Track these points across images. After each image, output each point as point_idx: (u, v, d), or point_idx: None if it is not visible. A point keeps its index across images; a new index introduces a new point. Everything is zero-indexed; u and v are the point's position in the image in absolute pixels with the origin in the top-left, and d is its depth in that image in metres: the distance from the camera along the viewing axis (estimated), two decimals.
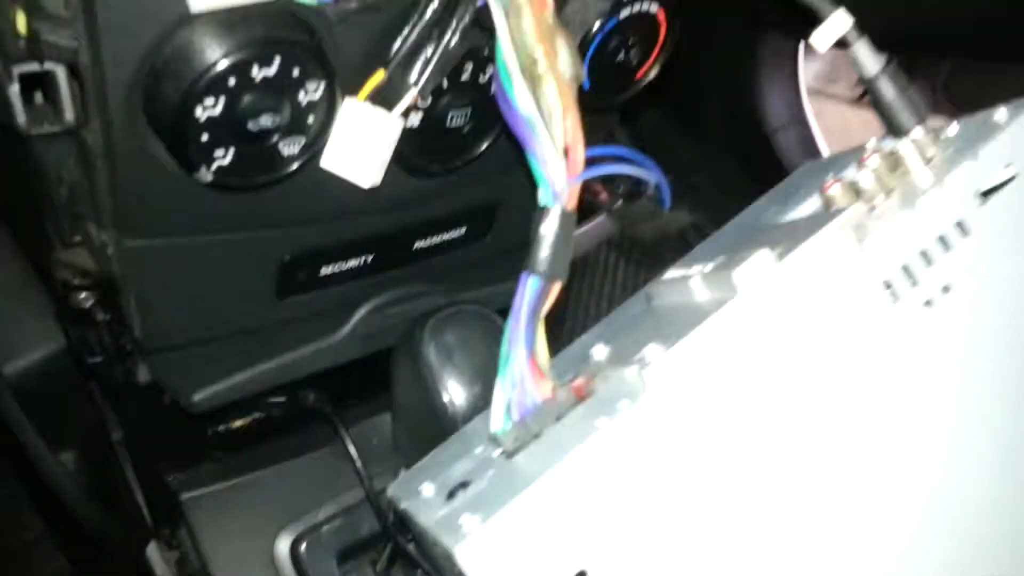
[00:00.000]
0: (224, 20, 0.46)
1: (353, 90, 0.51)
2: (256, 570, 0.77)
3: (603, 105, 0.63)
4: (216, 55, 0.46)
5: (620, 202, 0.68)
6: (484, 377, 0.63)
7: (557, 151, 0.43)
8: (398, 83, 0.52)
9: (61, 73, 0.49)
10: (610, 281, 1.40)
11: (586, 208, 0.72)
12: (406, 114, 0.53)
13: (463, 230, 0.71)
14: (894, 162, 0.41)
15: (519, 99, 0.44)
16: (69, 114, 0.51)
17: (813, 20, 0.46)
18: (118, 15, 0.44)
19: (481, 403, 0.59)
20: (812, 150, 1.30)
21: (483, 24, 0.49)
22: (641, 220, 0.61)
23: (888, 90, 0.44)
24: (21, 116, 0.50)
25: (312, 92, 0.50)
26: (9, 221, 0.76)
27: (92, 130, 0.50)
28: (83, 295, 0.66)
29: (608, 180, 0.61)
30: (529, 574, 0.35)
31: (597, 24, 0.57)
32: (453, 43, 0.51)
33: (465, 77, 0.55)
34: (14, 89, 0.49)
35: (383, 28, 0.51)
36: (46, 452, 0.80)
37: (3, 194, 0.75)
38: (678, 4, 0.61)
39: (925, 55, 1.16)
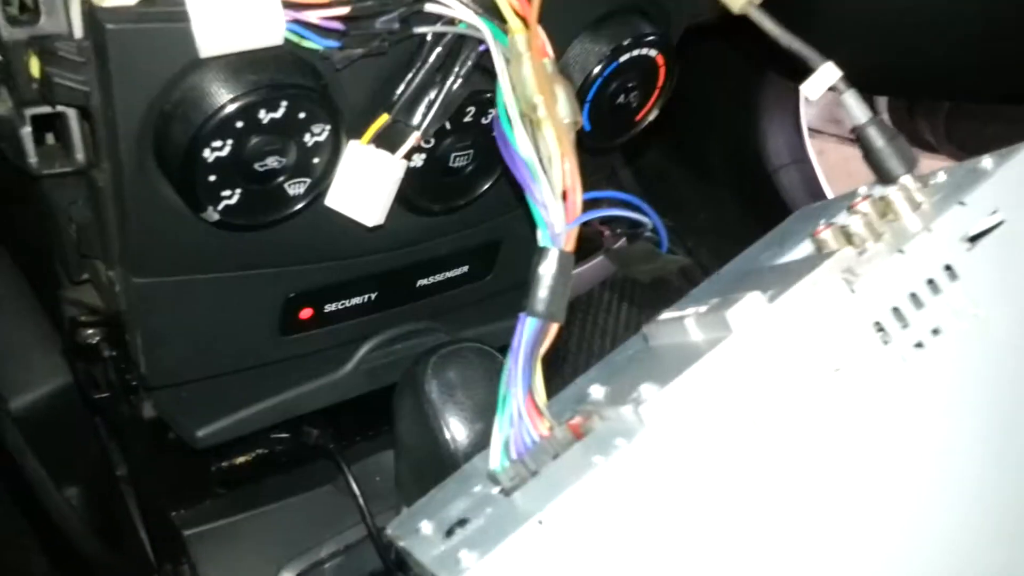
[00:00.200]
0: (232, 64, 0.47)
1: (358, 132, 0.53)
2: None
3: (604, 146, 0.65)
4: (224, 99, 0.47)
5: (623, 241, 0.69)
6: (486, 415, 0.63)
7: (556, 195, 0.44)
8: (402, 126, 0.53)
9: (72, 115, 0.51)
10: (613, 320, 1.41)
11: (590, 248, 0.73)
12: (410, 155, 0.54)
13: (466, 268, 0.72)
14: (884, 208, 0.42)
15: (519, 143, 0.45)
16: (80, 155, 0.52)
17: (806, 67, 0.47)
18: (129, 60, 0.45)
19: (483, 441, 0.59)
20: (814, 189, 1.31)
21: (485, 67, 0.50)
22: (638, 261, 0.62)
23: (877, 139, 0.45)
24: (33, 157, 0.51)
25: (317, 134, 0.51)
26: (18, 258, 0.77)
27: (102, 170, 0.51)
28: (90, 331, 0.67)
29: (608, 222, 0.62)
30: None
31: (597, 68, 0.58)
32: (456, 87, 0.53)
33: (468, 119, 0.56)
34: (26, 130, 0.50)
35: (387, 72, 0.52)
36: (51, 487, 0.81)
37: (13, 232, 0.76)
38: (677, 49, 0.62)
39: (915, 98, 1.18)
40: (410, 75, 0.52)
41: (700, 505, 0.37)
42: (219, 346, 0.64)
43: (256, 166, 0.50)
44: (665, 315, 0.43)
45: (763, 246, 0.50)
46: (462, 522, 0.39)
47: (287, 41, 0.46)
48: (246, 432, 0.71)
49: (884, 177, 0.45)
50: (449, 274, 0.71)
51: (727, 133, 1.35)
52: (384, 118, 0.52)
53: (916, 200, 0.42)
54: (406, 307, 0.72)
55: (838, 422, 0.39)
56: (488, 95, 0.54)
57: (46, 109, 0.50)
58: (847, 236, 0.41)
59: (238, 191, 0.50)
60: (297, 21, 0.46)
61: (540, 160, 0.45)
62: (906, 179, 0.43)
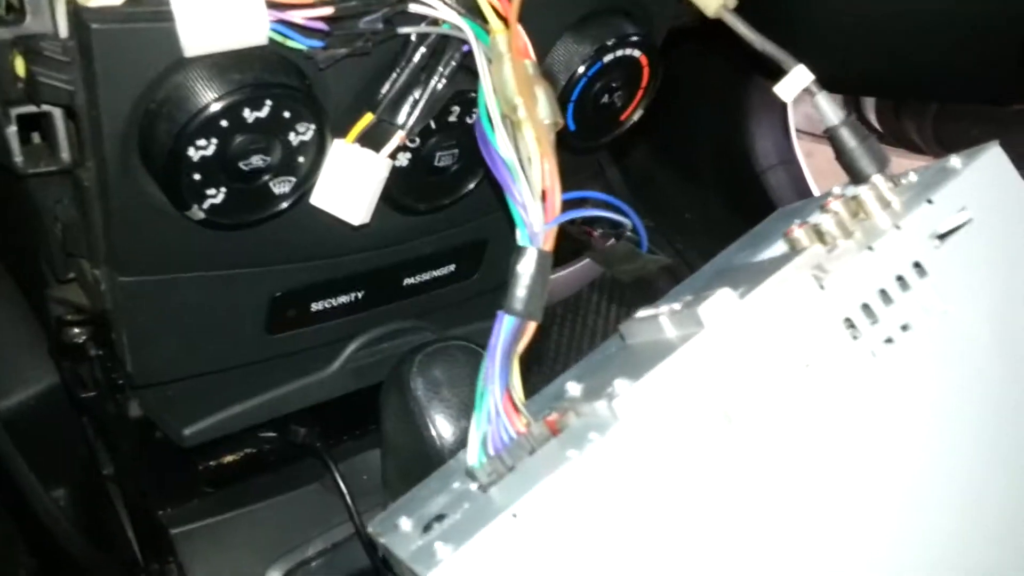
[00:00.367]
0: (217, 64, 0.47)
1: (343, 131, 0.53)
2: None
3: (589, 146, 0.65)
4: (208, 98, 0.47)
5: (611, 242, 0.70)
6: (472, 412, 0.64)
7: (535, 195, 0.44)
8: (386, 125, 0.53)
9: (58, 114, 0.51)
10: (602, 321, 1.41)
11: (577, 249, 0.73)
12: (395, 154, 0.54)
13: (452, 267, 0.72)
14: (855, 207, 0.43)
15: (499, 144, 0.45)
16: (65, 154, 0.52)
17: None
18: (114, 59, 0.46)
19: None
20: (802, 190, 1.32)
21: (469, 67, 0.50)
22: (620, 261, 0.62)
23: (849, 139, 0.46)
24: (18, 156, 0.51)
25: (302, 133, 0.51)
26: (3, 257, 0.77)
27: (87, 169, 0.52)
28: (76, 330, 0.67)
29: (590, 222, 0.63)
30: None
31: (581, 68, 0.58)
32: (440, 86, 0.53)
33: (452, 119, 0.56)
34: (12, 130, 0.50)
35: (372, 72, 0.52)
36: (39, 487, 0.81)
37: None
38: (661, 50, 0.63)
39: (896, 99, 1.19)
40: (394, 75, 0.52)
41: (672, 498, 0.38)
42: (205, 345, 0.65)
43: (241, 165, 0.50)
44: (641, 313, 0.43)
45: (740, 246, 0.51)
46: (440, 517, 0.40)
47: (271, 41, 0.47)
48: (233, 431, 0.71)
49: (856, 177, 0.46)
50: (435, 273, 0.72)
51: (715, 134, 1.36)
52: (369, 117, 0.53)
53: (886, 199, 0.43)
54: (393, 306, 0.72)
55: (808, 416, 0.40)
56: (473, 95, 0.55)
57: (32, 108, 0.50)
58: (819, 234, 0.42)
59: (223, 190, 0.50)
60: (281, 21, 0.46)
61: (520, 160, 0.45)
62: (877, 178, 0.44)
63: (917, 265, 0.41)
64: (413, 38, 0.51)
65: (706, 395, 0.38)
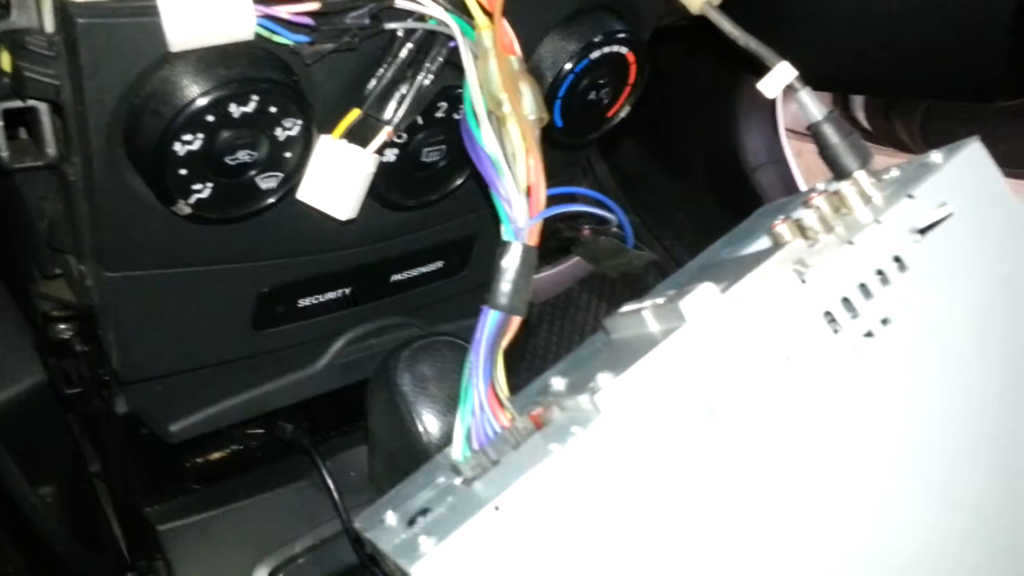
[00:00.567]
0: (203, 59, 0.47)
1: (329, 127, 0.53)
2: None
3: (576, 142, 0.65)
4: (195, 92, 0.47)
5: (602, 238, 0.70)
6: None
7: (519, 190, 0.44)
8: (373, 120, 0.53)
9: (44, 109, 0.51)
10: (591, 317, 1.41)
11: (564, 244, 0.73)
12: (381, 150, 0.54)
13: (440, 264, 0.72)
14: (837, 202, 0.43)
15: (485, 140, 0.46)
16: (51, 149, 0.52)
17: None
18: (99, 54, 0.46)
19: None
20: (791, 188, 1.32)
21: (456, 63, 0.50)
22: (606, 256, 0.62)
23: (832, 135, 0.46)
24: (4, 151, 0.51)
25: (289, 129, 0.51)
26: None
27: (73, 164, 0.52)
28: (62, 326, 0.67)
29: (577, 219, 0.63)
30: None
31: (568, 65, 0.58)
32: (427, 82, 0.53)
33: (439, 114, 0.57)
34: None
35: (358, 67, 0.52)
36: (25, 485, 0.81)
37: None
38: (649, 47, 0.63)
39: (878, 95, 1.19)
40: (381, 70, 0.52)
41: (654, 490, 0.38)
42: (192, 341, 0.65)
43: (227, 160, 0.50)
44: (624, 308, 0.44)
45: (725, 242, 0.51)
46: (424, 511, 0.40)
47: (258, 36, 0.47)
48: (220, 427, 0.71)
49: (839, 172, 0.46)
50: (424, 269, 0.72)
51: (705, 133, 1.36)
52: (355, 113, 0.53)
53: (868, 194, 0.43)
54: (381, 302, 0.72)
55: (789, 410, 0.40)
56: (460, 90, 0.55)
57: (17, 103, 0.50)
58: (801, 229, 0.42)
59: (209, 185, 0.50)
60: (267, 16, 0.46)
61: (505, 156, 0.45)
62: (860, 174, 0.44)
63: (897, 259, 0.42)
64: (400, 34, 0.51)
65: (688, 388, 0.39)
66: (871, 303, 0.41)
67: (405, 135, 0.56)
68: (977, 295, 0.43)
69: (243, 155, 0.50)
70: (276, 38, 0.47)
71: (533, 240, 0.44)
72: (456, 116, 0.57)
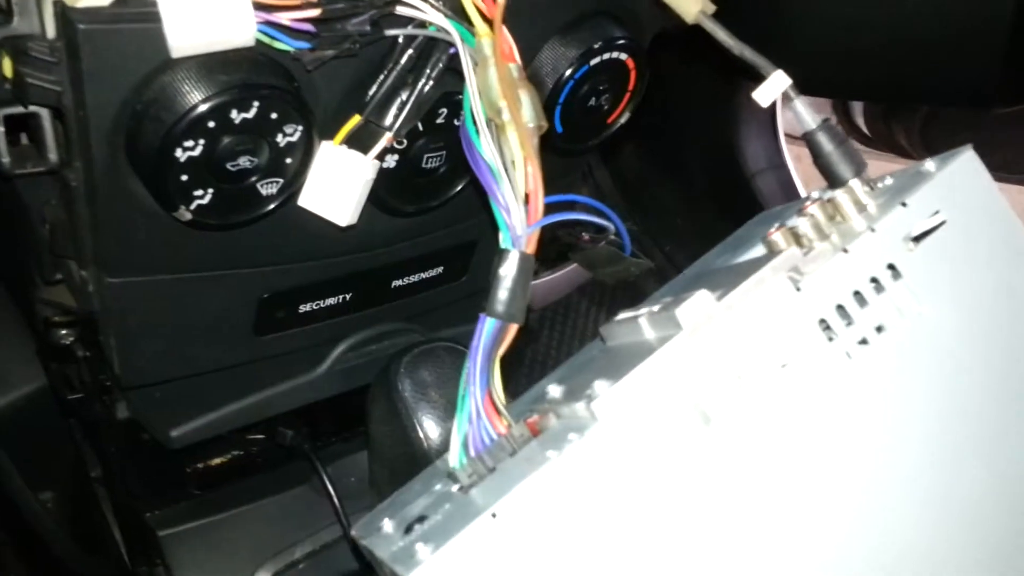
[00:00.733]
0: (204, 65, 0.47)
1: (330, 133, 0.53)
2: None
3: (576, 149, 0.65)
4: (196, 99, 0.47)
5: (599, 246, 0.70)
6: None
7: (518, 198, 0.44)
8: (374, 127, 0.53)
9: (45, 115, 0.51)
10: (591, 324, 1.42)
11: (562, 251, 0.73)
12: (382, 156, 0.54)
13: (440, 269, 0.72)
14: (832, 210, 0.44)
15: (483, 147, 0.46)
16: (52, 155, 0.52)
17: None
18: (101, 60, 0.46)
19: None
20: (791, 193, 1.33)
21: (457, 69, 0.50)
22: (603, 264, 0.63)
23: (826, 144, 0.46)
24: (5, 157, 0.51)
25: (290, 135, 0.51)
26: None
27: (75, 170, 0.52)
28: (63, 332, 0.67)
29: (574, 226, 0.63)
30: None
31: (568, 71, 0.59)
32: (427, 88, 0.53)
33: (440, 120, 0.57)
34: None
35: (359, 74, 0.53)
36: (26, 490, 0.81)
37: None
38: (648, 53, 0.63)
39: (876, 102, 1.19)
40: (382, 77, 0.53)
41: (650, 497, 0.38)
42: (193, 346, 0.65)
43: (228, 166, 0.50)
44: (621, 316, 0.44)
45: (721, 250, 0.51)
46: (421, 519, 0.40)
47: (258, 42, 0.47)
48: (220, 432, 0.71)
49: (833, 181, 0.46)
50: (424, 275, 0.72)
51: (705, 138, 1.36)
52: (356, 119, 0.53)
53: (862, 202, 0.44)
54: (381, 308, 0.72)
55: (785, 416, 0.40)
56: (460, 96, 0.55)
57: (19, 109, 0.51)
58: (796, 237, 0.43)
59: (210, 191, 0.50)
60: (268, 22, 0.46)
61: (504, 164, 0.45)
62: (854, 182, 0.45)
63: (891, 267, 0.42)
64: (400, 40, 0.52)
65: (684, 395, 0.39)
66: (865, 311, 0.41)
67: (406, 141, 0.56)
68: (971, 302, 0.44)
69: (244, 161, 0.50)
70: (277, 44, 0.48)
71: (531, 248, 0.45)
72: (457, 122, 0.57)
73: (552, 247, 0.82)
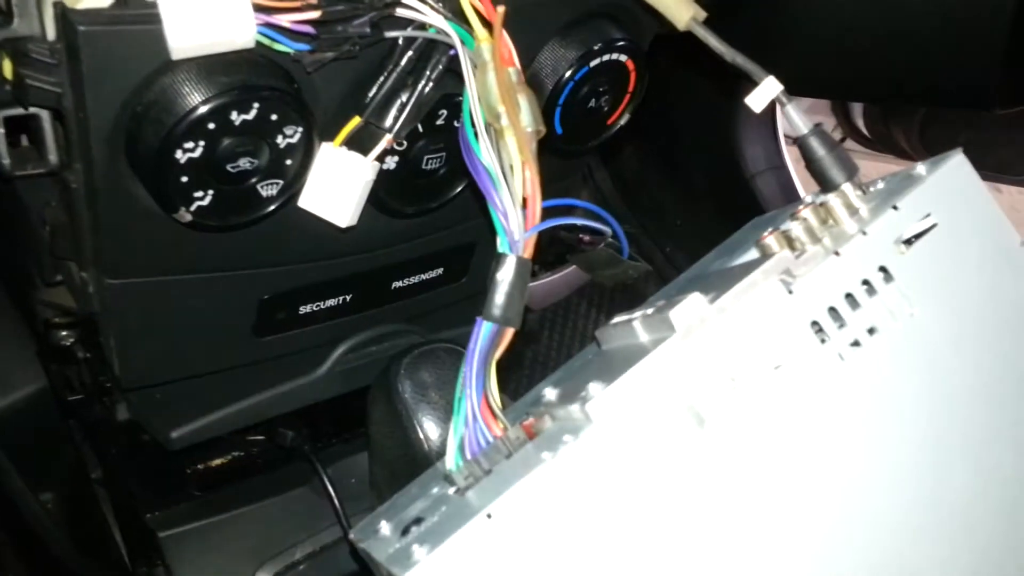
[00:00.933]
0: (204, 66, 0.47)
1: (330, 135, 0.53)
2: None
3: (577, 150, 0.65)
4: (196, 100, 0.47)
5: (597, 248, 0.71)
6: None
7: (515, 202, 0.45)
8: (374, 128, 0.53)
9: (45, 117, 0.51)
10: (591, 326, 1.42)
11: (560, 253, 0.74)
12: (382, 158, 0.54)
13: (440, 271, 0.72)
14: (825, 214, 0.44)
15: (482, 151, 0.46)
16: (53, 156, 0.52)
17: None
18: (101, 61, 0.46)
19: None
20: (791, 194, 1.33)
21: (456, 71, 0.50)
22: (601, 266, 0.63)
23: (818, 148, 0.47)
24: (6, 158, 0.52)
25: (290, 136, 0.51)
26: None
27: (75, 172, 0.52)
28: (64, 333, 0.67)
29: (572, 230, 0.64)
30: None
31: (568, 72, 0.59)
32: (427, 90, 0.53)
33: (440, 122, 0.57)
34: None
35: (359, 75, 0.53)
36: (26, 492, 0.81)
37: None
38: (648, 55, 0.63)
39: (874, 103, 1.19)
40: (382, 78, 0.53)
41: (645, 498, 0.38)
42: (193, 347, 0.65)
43: (228, 167, 0.50)
44: (616, 319, 0.44)
45: (716, 254, 0.51)
46: (418, 521, 0.41)
47: (258, 44, 0.47)
48: (220, 433, 0.71)
49: (826, 185, 0.46)
50: (424, 276, 0.72)
51: (705, 140, 1.36)
52: (356, 120, 0.53)
53: (854, 206, 0.44)
54: (382, 309, 0.72)
55: (778, 418, 0.40)
56: (460, 98, 0.55)
57: (19, 111, 0.51)
58: (789, 241, 0.43)
59: (210, 192, 0.50)
60: (268, 24, 0.46)
61: (502, 168, 0.45)
62: (846, 186, 0.45)
63: (883, 270, 0.42)
64: (400, 42, 0.52)
65: (677, 397, 0.39)
66: (857, 313, 0.42)
67: (405, 143, 0.57)
68: (962, 304, 0.44)
69: (244, 162, 0.50)
70: (277, 46, 0.48)
71: (528, 252, 0.45)
72: (456, 124, 0.57)
73: (552, 249, 0.83)
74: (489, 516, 0.36)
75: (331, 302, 0.68)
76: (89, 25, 0.45)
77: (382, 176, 0.56)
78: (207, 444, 0.74)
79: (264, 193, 0.53)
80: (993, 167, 1.18)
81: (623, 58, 0.61)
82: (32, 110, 0.51)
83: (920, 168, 0.44)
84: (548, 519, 0.37)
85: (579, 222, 0.50)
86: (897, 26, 0.72)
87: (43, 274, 0.63)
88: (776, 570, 0.40)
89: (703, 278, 0.48)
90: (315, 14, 0.47)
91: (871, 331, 0.42)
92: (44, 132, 0.52)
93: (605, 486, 0.38)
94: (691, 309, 0.40)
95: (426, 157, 0.59)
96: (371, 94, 0.53)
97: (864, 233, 0.42)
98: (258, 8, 0.46)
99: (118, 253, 0.56)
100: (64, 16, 0.45)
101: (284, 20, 0.47)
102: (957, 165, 0.44)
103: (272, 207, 0.54)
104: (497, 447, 0.42)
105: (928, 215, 0.43)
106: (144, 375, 0.65)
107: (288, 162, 0.52)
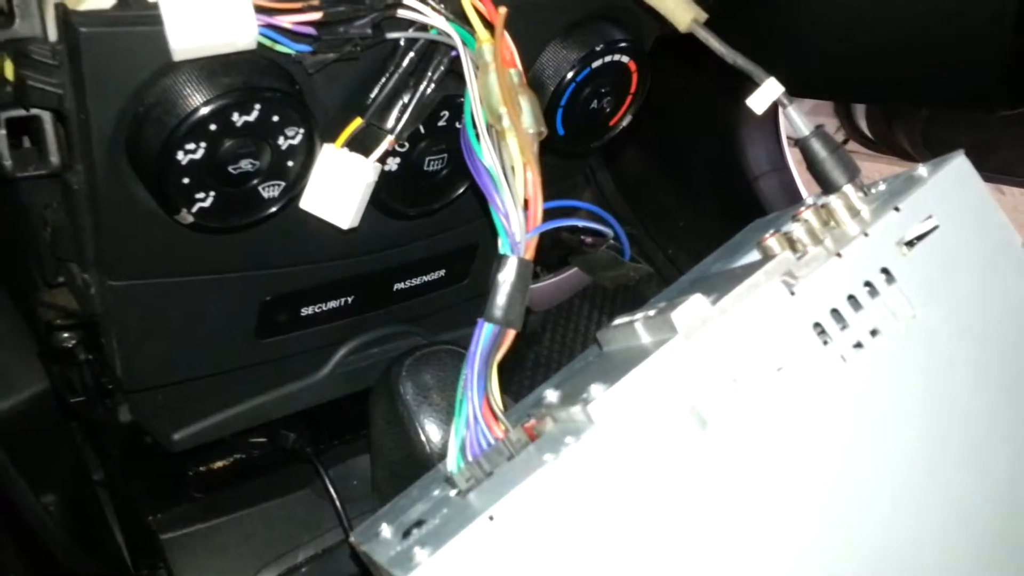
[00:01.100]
0: (205, 68, 0.47)
1: (332, 136, 0.53)
2: None
3: (578, 151, 0.65)
4: (197, 102, 0.47)
5: (599, 250, 0.71)
6: None
7: (517, 204, 0.44)
8: (375, 129, 0.53)
9: (47, 118, 0.51)
10: (594, 327, 1.41)
11: (563, 254, 0.73)
12: (384, 159, 0.54)
13: (442, 272, 0.72)
14: (826, 215, 0.44)
15: (483, 153, 0.46)
16: (54, 158, 0.52)
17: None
18: (102, 63, 0.46)
19: None
20: (794, 196, 1.33)
21: (458, 72, 0.50)
22: (602, 268, 0.63)
23: (820, 150, 0.46)
24: (7, 160, 0.51)
25: (291, 138, 0.51)
26: None
27: (76, 173, 0.52)
28: (65, 335, 0.67)
29: (574, 231, 0.64)
30: None
31: (570, 73, 0.59)
32: (429, 91, 0.53)
33: (442, 123, 0.57)
34: (0, 133, 0.50)
35: (361, 77, 0.53)
36: (28, 493, 0.81)
37: None
38: (650, 56, 0.63)
39: (877, 103, 1.19)
40: (383, 79, 0.53)
41: (646, 499, 0.38)
42: (195, 349, 0.65)
43: (230, 169, 0.50)
44: (617, 321, 0.44)
45: (717, 256, 0.51)
46: (419, 523, 0.41)
47: (260, 45, 0.47)
48: (222, 436, 0.71)
49: (827, 187, 0.46)
50: (426, 278, 0.72)
51: (707, 141, 1.36)
52: (358, 122, 0.53)
53: (856, 207, 0.44)
54: (384, 311, 0.72)
55: (781, 419, 0.40)
56: (462, 99, 0.55)
57: (20, 112, 0.50)
58: (790, 242, 0.43)
59: (212, 193, 0.50)
60: (269, 25, 0.46)
61: (504, 170, 0.45)
62: (848, 188, 0.45)
63: (885, 271, 0.42)
64: (402, 43, 0.52)
65: (679, 398, 0.39)
66: (859, 314, 0.42)
67: (407, 144, 0.56)
68: (964, 305, 0.44)
69: (245, 164, 0.50)
70: (278, 47, 0.48)
71: (529, 254, 0.44)
72: (458, 125, 0.57)
73: (554, 251, 0.83)
74: (491, 518, 0.36)
75: (333, 304, 0.68)
76: (91, 26, 0.45)
77: (384, 177, 0.56)
78: (209, 446, 0.73)
79: (266, 194, 0.53)
80: (997, 168, 1.18)
81: (625, 59, 0.61)
82: (34, 111, 0.50)
83: (922, 169, 0.44)
84: (550, 521, 0.37)
85: (581, 224, 0.50)
86: (899, 27, 0.72)
87: (45, 276, 0.63)
88: (778, 572, 0.40)
89: (704, 280, 0.48)
90: (316, 15, 0.47)
91: (873, 332, 0.42)
92: (46, 133, 0.52)
93: (607, 488, 0.38)
94: (693, 310, 0.39)
95: (428, 158, 0.59)
96: (373, 95, 0.53)
97: (866, 235, 0.42)
98: (259, 9, 0.46)
99: (120, 254, 0.56)
100: (65, 17, 0.45)
101: (285, 21, 0.47)
102: (959, 166, 0.44)
103: (274, 209, 0.54)
104: (498, 449, 0.41)
105: (930, 216, 0.43)
106: (146, 377, 0.65)
107: (290, 163, 0.52)
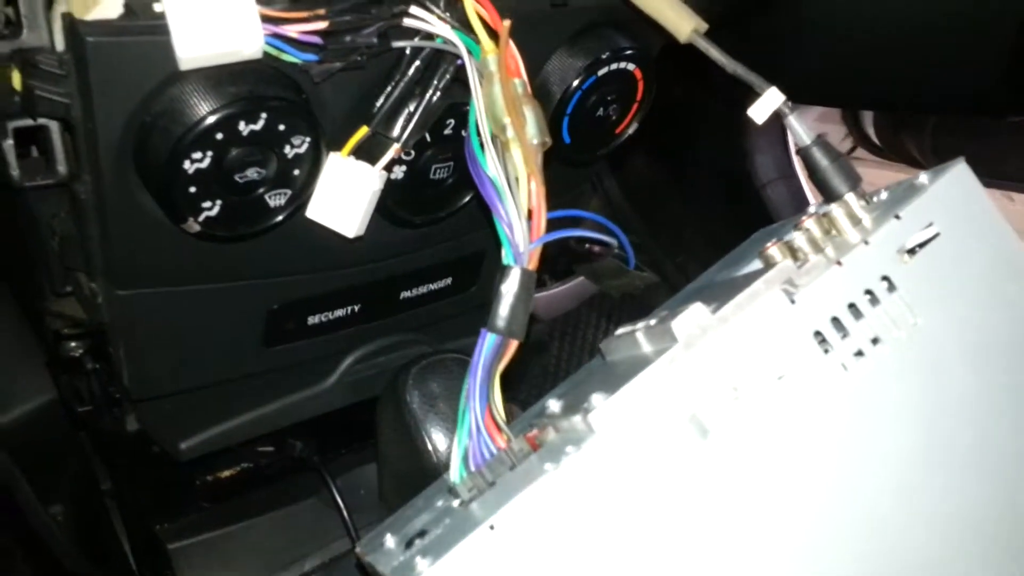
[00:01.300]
0: (212, 77, 0.47)
1: (338, 144, 0.53)
2: None
3: (585, 159, 0.65)
4: (204, 111, 0.47)
5: (605, 259, 0.70)
6: None
7: (520, 214, 0.44)
8: (381, 138, 0.53)
9: (54, 128, 0.51)
10: (601, 337, 1.41)
11: (569, 263, 0.73)
12: (390, 167, 0.54)
13: (449, 280, 0.72)
14: (828, 224, 0.44)
15: (488, 163, 0.46)
16: (62, 167, 0.53)
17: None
18: (110, 72, 0.46)
19: None
20: (801, 203, 1.32)
21: (464, 80, 0.50)
22: (607, 277, 0.63)
23: (821, 159, 0.46)
24: (15, 169, 0.52)
25: (298, 146, 0.51)
26: (2, 272, 0.78)
27: (84, 182, 0.52)
28: (73, 344, 0.67)
29: (580, 241, 0.64)
30: None
31: (576, 81, 0.59)
32: (435, 99, 0.53)
33: (447, 131, 0.57)
34: (8, 143, 0.51)
35: (367, 85, 0.53)
36: (36, 503, 0.81)
37: None
38: (657, 63, 0.63)
39: (884, 110, 1.19)
40: (389, 88, 0.53)
41: (647, 508, 0.38)
42: (202, 358, 0.65)
43: (236, 177, 0.50)
44: (619, 330, 0.44)
45: (721, 265, 0.51)
46: (422, 534, 0.41)
47: (266, 54, 0.47)
48: (229, 445, 0.71)
49: (829, 195, 0.46)
50: (433, 286, 0.72)
51: (714, 149, 1.36)
52: (364, 130, 0.53)
53: (857, 215, 0.44)
54: (390, 319, 0.72)
55: (782, 428, 0.40)
56: (467, 108, 0.55)
57: (28, 122, 0.51)
58: (791, 251, 0.43)
59: (218, 202, 0.50)
60: (276, 35, 0.47)
61: (508, 180, 0.45)
62: (849, 196, 0.45)
63: (886, 279, 0.42)
64: (407, 52, 0.52)
65: (680, 407, 0.39)
66: (860, 323, 0.41)
67: (413, 152, 0.57)
68: (965, 313, 0.44)
69: (252, 173, 0.50)
70: (285, 56, 0.48)
71: (533, 264, 0.44)
72: (464, 133, 0.57)
73: (561, 259, 0.83)
74: (492, 528, 0.36)
75: (340, 312, 0.68)
76: (98, 36, 0.45)
77: (390, 186, 0.56)
78: (216, 455, 0.74)
79: (272, 203, 0.53)
80: (1006, 175, 1.17)
81: (631, 67, 0.61)
82: (41, 121, 0.51)
83: (923, 177, 0.44)
84: (550, 530, 0.37)
85: (584, 234, 0.49)
86: (905, 33, 0.71)
87: (52, 285, 0.63)
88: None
89: (707, 288, 0.48)
90: (323, 24, 0.47)
91: (874, 341, 0.42)
92: (53, 143, 0.52)
93: (607, 497, 0.37)
94: (693, 319, 0.39)
95: (434, 167, 0.59)
96: (378, 104, 0.53)
97: (866, 243, 0.42)
98: (266, 19, 0.46)
99: (127, 264, 0.56)
100: (72, 27, 0.46)
101: (292, 31, 0.47)
102: (959, 174, 0.44)
103: (280, 217, 0.54)
104: (501, 459, 0.41)
105: (931, 224, 0.43)
106: (153, 386, 0.65)
107: (296, 172, 0.52)
